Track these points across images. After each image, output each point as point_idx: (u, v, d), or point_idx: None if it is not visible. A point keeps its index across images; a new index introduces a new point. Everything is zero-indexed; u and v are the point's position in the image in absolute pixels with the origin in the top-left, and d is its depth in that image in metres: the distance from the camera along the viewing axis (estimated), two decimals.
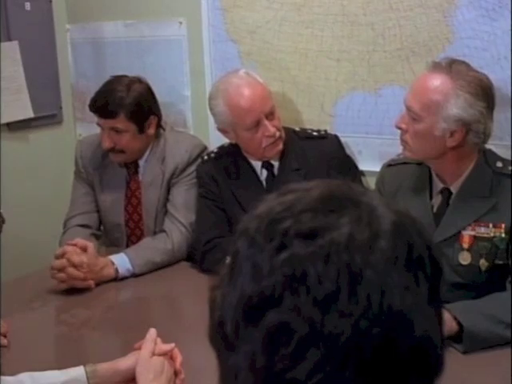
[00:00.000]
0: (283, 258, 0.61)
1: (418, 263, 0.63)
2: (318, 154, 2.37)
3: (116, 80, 2.54)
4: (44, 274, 2.24)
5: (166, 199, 2.57)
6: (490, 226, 1.87)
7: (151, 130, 2.54)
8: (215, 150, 2.49)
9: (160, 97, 2.62)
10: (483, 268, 1.87)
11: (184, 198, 2.53)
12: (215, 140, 2.65)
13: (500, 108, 1.97)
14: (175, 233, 2.46)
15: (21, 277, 2.41)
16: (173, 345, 1.50)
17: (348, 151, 2.48)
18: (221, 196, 2.40)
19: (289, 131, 2.40)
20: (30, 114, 3.02)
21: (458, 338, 1.68)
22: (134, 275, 2.34)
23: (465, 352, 1.67)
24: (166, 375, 1.43)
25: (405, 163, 2.08)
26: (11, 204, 2.75)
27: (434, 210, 1.96)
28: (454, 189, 1.94)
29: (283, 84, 2.59)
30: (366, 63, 2.40)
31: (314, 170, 2.32)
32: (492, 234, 1.87)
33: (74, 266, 2.19)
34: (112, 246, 2.62)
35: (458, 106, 1.81)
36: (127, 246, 2.57)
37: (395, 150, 2.16)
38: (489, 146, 1.96)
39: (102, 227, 2.70)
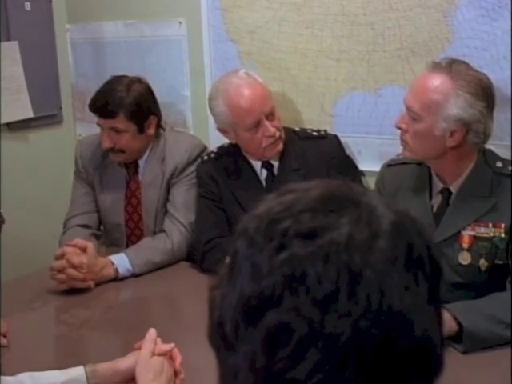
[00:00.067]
0: (283, 258, 0.61)
1: (418, 263, 0.63)
2: (318, 154, 2.37)
3: (116, 80, 2.54)
4: (44, 274, 2.24)
5: (166, 199, 2.57)
6: (490, 225, 1.87)
7: (151, 130, 2.54)
8: (215, 150, 2.49)
9: (160, 97, 2.62)
10: (483, 268, 1.87)
11: (184, 198, 2.53)
12: (215, 140, 2.65)
13: (500, 108, 1.97)
14: (175, 233, 2.46)
15: (21, 277, 2.41)
16: (172, 345, 1.50)
17: (348, 151, 2.48)
18: (220, 196, 2.40)
19: (289, 131, 2.40)
20: (30, 114, 3.02)
21: (457, 337, 1.68)
22: (134, 275, 2.34)
23: (465, 352, 1.67)
24: (165, 375, 1.43)
25: (404, 163, 2.08)
26: (11, 204, 2.74)
27: (434, 209, 1.96)
28: (453, 189, 1.94)
29: (283, 84, 2.59)
30: (365, 63, 2.40)
31: (313, 170, 2.32)
32: (492, 234, 1.87)
33: (74, 266, 2.19)
34: (112, 246, 2.62)
35: (458, 106, 1.81)
36: (127, 246, 2.57)
37: (395, 150, 2.16)
38: (489, 146, 1.96)
39: (101, 227, 2.70)
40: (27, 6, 3.02)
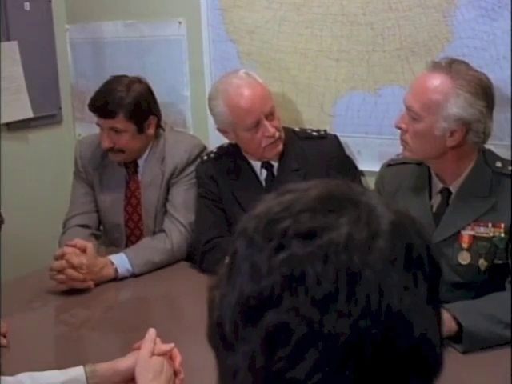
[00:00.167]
0: (282, 258, 0.61)
1: (417, 263, 0.63)
2: (318, 154, 2.37)
3: (116, 80, 2.54)
4: (44, 274, 2.24)
5: (166, 199, 2.57)
6: (490, 225, 1.87)
7: (151, 130, 2.54)
8: (215, 150, 2.49)
9: (159, 97, 2.62)
10: (482, 268, 1.87)
11: (183, 197, 2.53)
12: (215, 140, 2.65)
13: (500, 108, 1.97)
14: (175, 233, 2.46)
15: (21, 277, 2.41)
16: (172, 345, 1.50)
17: (347, 151, 2.48)
18: (220, 196, 2.40)
19: (288, 131, 2.40)
20: (30, 114, 3.02)
21: (457, 338, 1.68)
22: (134, 275, 2.34)
23: (464, 352, 1.67)
24: (165, 375, 1.43)
25: (404, 163, 2.08)
26: (11, 204, 2.75)
27: (434, 209, 1.96)
28: (453, 189, 1.94)
29: (283, 84, 2.59)
30: (365, 63, 2.40)
31: (313, 170, 2.32)
32: (491, 234, 1.87)
33: (74, 267, 2.19)
34: (111, 246, 2.62)
35: (458, 106, 1.81)
36: (127, 246, 2.57)
37: (395, 150, 2.16)
38: (488, 146, 1.96)
39: (101, 227, 2.70)
40: (27, 6, 3.02)
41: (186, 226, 2.47)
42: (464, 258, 1.89)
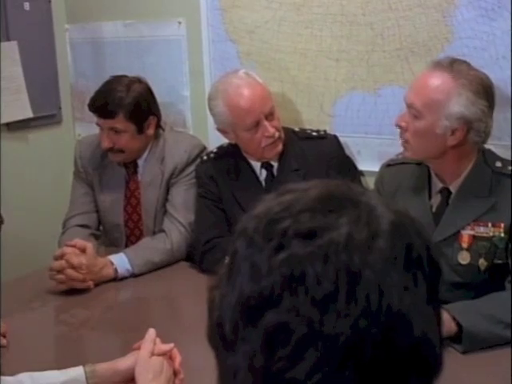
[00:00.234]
0: (282, 258, 0.61)
1: (417, 263, 0.63)
2: (318, 154, 2.37)
3: (116, 80, 2.54)
4: (43, 274, 2.24)
5: (165, 199, 2.57)
6: (490, 225, 1.87)
7: (150, 131, 2.54)
8: (214, 150, 2.49)
9: (159, 97, 2.62)
10: (482, 267, 1.87)
11: (183, 198, 2.53)
12: (214, 140, 2.65)
13: (499, 108, 1.97)
14: (174, 233, 2.46)
15: (20, 277, 2.41)
16: (172, 345, 1.50)
17: (347, 151, 2.48)
18: (220, 196, 2.40)
19: (288, 131, 2.40)
20: (30, 114, 3.02)
21: (457, 338, 1.68)
22: (134, 275, 2.34)
23: (464, 352, 1.67)
24: (165, 375, 1.44)
25: (404, 163, 2.07)
26: (11, 204, 2.75)
27: (434, 209, 1.96)
28: (453, 188, 1.94)
29: (282, 84, 2.59)
30: (365, 63, 2.40)
31: (313, 170, 2.32)
32: (491, 234, 1.87)
33: (73, 267, 2.19)
34: (111, 246, 2.62)
35: (460, 104, 1.82)
36: (126, 246, 2.57)
37: (394, 149, 2.16)
38: (488, 146, 1.96)
39: (101, 227, 2.70)
40: (26, 6, 3.02)
41: (185, 226, 2.47)
42: (464, 258, 1.89)
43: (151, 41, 2.93)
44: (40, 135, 3.16)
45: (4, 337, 1.87)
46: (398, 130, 1.96)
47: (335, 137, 2.44)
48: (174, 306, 2.31)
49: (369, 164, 2.44)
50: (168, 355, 1.49)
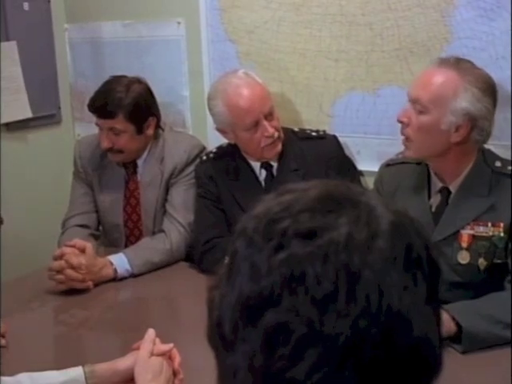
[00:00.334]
0: (281, 258, 0.61)
1: (417, 263, 0.63)
2: (317, 155, 2.37)
3: (115, 80, 2.54)
4: (43, 274, 2.24)
5: (165, 199, 2.57)
6: (489, 225, 1.87)
7: (150, 131, 2.54)
8: (214, 151, 2.49)
9: (159, 97, 2.62)
10: (482, 267, 1.88)
11: (183, 198, 2.53)
12: (214, 140, 2.65)
13: (499, 108, 1.96)
14: (174, 233, 2.46)
15: (20, 277, 2.41)
16: (171, 345, 1.50)
17: (347, 151, 2.48)
18: (219, 196, 2.40)
19: (287, 131, 2.40)
20: (29, 114, 3.02)
21: (456, 338, 1.68)
22: (133, 275, 2.34)
23: (464, 352, 1.68)
24: (164, 375, 1.43)
25: (403, 163, 2.07)
26: (10, 204, 2.75)
27: (433, 209, 1.96)
28: (452, 188, 1.94)
29: (282, 84, 2.59)
30: (364, 63, 2.40)
31: (312, 171, 2.32)
32: (491, 233, 1.87)
33: (73, 267, 2.19)
34: (111, 247, 2.61)
35: (466, 100, 1.82)
36: (126, 246, 2.57)
37: (394, 149, 2.16)
38: (488, 146, 1.97)
39: (100, 227, 2.70)
40: (26, 6, 3.01)
41: (185, 226, 2.47)
42: (463, 258, 1.89)
43: (150, 41, 2.93)
44: (39, 135, 3.16)
45: (3, 337, 1.86)
46: (398, 130, 1.95)
47: (334, 137, 2.44)
48: (174, 306, 2.31)
49: (368, 164, 2.44)
50: (167, 355, 1.49)
